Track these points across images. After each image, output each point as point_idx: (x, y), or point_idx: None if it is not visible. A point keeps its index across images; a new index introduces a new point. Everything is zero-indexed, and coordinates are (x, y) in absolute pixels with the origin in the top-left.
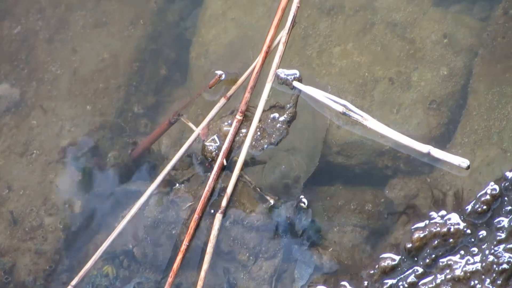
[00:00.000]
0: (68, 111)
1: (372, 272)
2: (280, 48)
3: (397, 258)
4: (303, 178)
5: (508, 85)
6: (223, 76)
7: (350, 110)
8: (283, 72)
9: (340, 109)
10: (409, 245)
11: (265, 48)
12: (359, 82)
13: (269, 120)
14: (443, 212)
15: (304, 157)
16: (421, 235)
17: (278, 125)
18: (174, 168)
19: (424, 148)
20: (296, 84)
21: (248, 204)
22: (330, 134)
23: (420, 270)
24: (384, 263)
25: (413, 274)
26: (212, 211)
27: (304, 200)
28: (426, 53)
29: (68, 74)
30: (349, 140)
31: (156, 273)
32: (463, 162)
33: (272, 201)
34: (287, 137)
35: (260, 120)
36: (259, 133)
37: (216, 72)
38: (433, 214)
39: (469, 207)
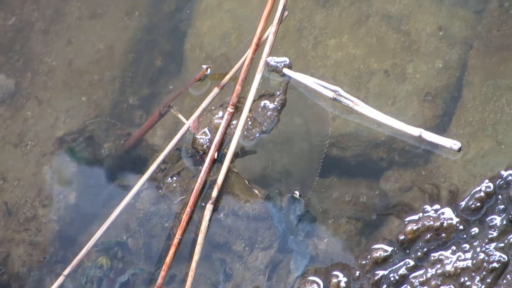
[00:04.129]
0: (63, 102)
1: (364, 262)
2: (270, 38)
3: (390, 249)
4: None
5: (502, 77)
6: (209, 70)
7: (341, 95)
8: (273, 60)
9: (331, 94)
10: (401, 237)
11: (255, 40)
12: (354, 74)
13: (260, 109)
14: (437, 206)
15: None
16: (414, 228)
17: (269, 113)
18: (164, 161)
19: (415, 131)
20: (286, 71)
21: (242, 195)
22: None
23: (412, 263)
24: (376, 254)
25: (405, 267)
26: (204, 204)
27: (297, 191)
28: (421, 46)
29: (63, 66)
30: (344, 132)
31: (150, 264)
32: (455, 144)
33: (259, 194)
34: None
35: (250, 110)
36: (250, 122)
37: (202, 66)
38: (427, 207)
39: (463, 203)
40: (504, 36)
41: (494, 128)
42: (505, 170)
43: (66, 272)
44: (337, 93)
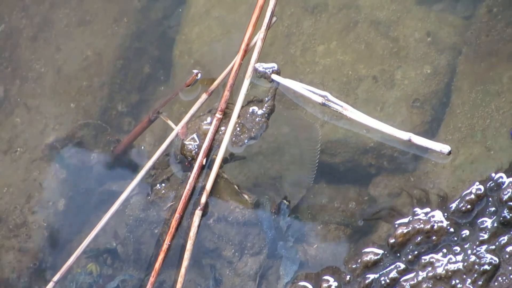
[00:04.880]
0: (52, 109)
1: (354, 266)
2: (259, 44)
3: (380, 253)
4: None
5: (491, 83)
6: (200, 75)
7: (329, 100)
8: (261, 66)
9: (320, 100)
10: (392, 240)
11: (243, 46)
12: (343, 80)
13: (248, 115)
14: (427, 209)
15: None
16: (405, 231)
17: (257, 119)
18: (154, 167)
19: (404, 135)
20: (274, 77)
21: (232, 201)
22: None
23: (402, 266)
24: (366, 258)
25: (395, 270)
26: (193, 210)
27: (286, 198)
28: (410, 52)
29: (52, 72)
30: (333, 138)
31: (140, 270)
32: (444, 148)
33: (249, 200)
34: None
35: (239, 116)
36: (238, 128)
37: (193, 70)
38: (417, 210)
39: (453, 206)
40: (493, 41)
41: (483, 134)
42: (496, 173)
43: (55, 278)
44: (325, 98)
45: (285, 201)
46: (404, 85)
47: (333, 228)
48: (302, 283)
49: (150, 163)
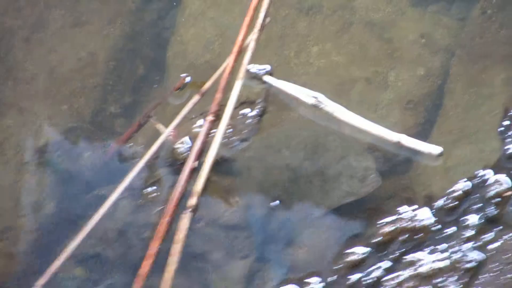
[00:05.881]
0: (45, 110)
1: (339, 266)
2: (252, 45)
3: (365, 251)
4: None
5: (485, 85)
6: (188, 79)
7: (320, 102)
8: (254, 67)
9: (311, 101)
10: (377, 239)
11: (236, 48)
12: (336, 82)
13: (240, 117)
14: (413, 207)
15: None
16: (390, 229)
17: (249, 120)
18: (143, 171)
19: (394, 136)
20: (266, 78)
21: (221, 204)
22: None
23: (388, 264)
24: (351, 257)
25: (381, 269)
26: (182, 213)
27: (276, 200)
28: (404, 53)
29: (46, 74)
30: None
31: (127, 275)
32: (435, 149)
33: (238, 203)
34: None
35: (230, 118)
36: (230, 130)
37: (181, 75)
38: (403, 208)
39: (440, 203)
40: (487, 43)
41: (476, 136)
42: (483, 169)
43: (39, 282)
44: (317, 99)
45: (274, 202)
46: (398, 87)
47: (324, 231)
48: (289, 286)
49: (139, 166)
